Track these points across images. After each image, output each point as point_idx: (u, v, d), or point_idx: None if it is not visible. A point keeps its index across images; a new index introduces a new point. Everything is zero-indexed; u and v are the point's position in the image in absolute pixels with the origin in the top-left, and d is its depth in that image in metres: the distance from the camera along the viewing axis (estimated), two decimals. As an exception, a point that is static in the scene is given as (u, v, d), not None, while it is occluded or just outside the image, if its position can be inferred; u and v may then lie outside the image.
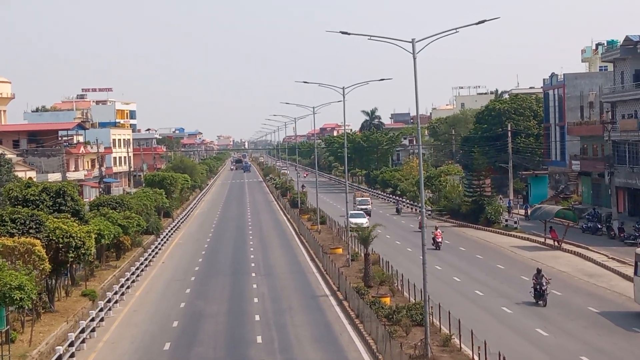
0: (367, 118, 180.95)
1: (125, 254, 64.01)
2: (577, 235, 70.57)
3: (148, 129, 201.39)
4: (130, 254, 64.94)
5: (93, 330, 40.66)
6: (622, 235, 67.74)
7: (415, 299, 42.86)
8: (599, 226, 72.99)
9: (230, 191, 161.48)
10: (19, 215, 43.69)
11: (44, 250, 40.16)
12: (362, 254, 54.14)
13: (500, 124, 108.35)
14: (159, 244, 73.50)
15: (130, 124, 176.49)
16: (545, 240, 69.49)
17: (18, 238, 40.25)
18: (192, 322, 43.57)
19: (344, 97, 62.31)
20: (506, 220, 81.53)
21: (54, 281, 44.77)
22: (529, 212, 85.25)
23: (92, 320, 40.83)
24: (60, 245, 43.63)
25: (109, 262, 61.33)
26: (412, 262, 58.93)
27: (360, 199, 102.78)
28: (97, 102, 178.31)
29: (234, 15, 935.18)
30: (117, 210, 63.09)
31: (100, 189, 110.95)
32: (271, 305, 47.62)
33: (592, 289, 50.37)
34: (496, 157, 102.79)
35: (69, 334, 37.14)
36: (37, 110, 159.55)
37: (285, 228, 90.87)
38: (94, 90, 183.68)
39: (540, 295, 44.56)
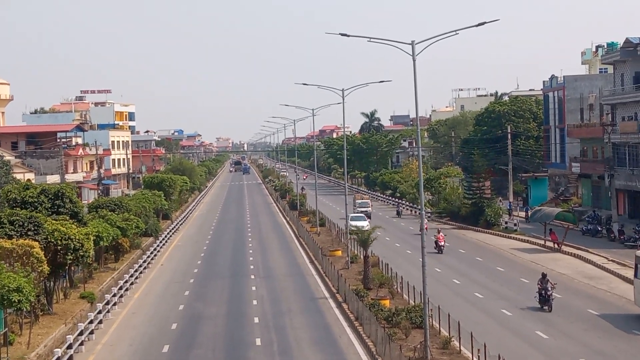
0: (367, 120, 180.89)
1: (123, 256, 63.87)
2: (577, 237, 70.46)
3: (147, 131, 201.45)
4: (128, 256, 64.81)
5: (91, 332, 40.58)
6: (622, 237, 67.64)
7: (414, 302, 42.72)
8: (599, 228, 72.87)
9: (229, 193, 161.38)
10: (18, 217, 43.59)
11: (43, 253, 40.13)
12: (362, 256, 54.02)
13: (500, 126, 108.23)
14: (158, 246, 73.38)
15: (129, 126, 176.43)
16: (545, 242, 69.39)
17: (16, 240, 40.21)
18: (191, 325, 43.46)
19: (343, 99, 62.31)
20: (506, 223, 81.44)
21: (52, 283, 44.69)
22: (529, 214, 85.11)
23: (91, 322, 40.75)
24: (59, 247, 43.58)
25: (108, 264, 61.24)
26: (412, 265, 58.79)
27: (360, 201, 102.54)
28: (96, 104, 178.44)
29: (233, 16, 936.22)
30: (116, 212, 63.02)
31: (99, 191, 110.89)
32: (270, 307, 47.52)
33: (592, 291, 50.26)
34: (496, 160, 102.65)
35: (68, 336, 37.09)
36: (35, 111, 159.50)
37: (285, 230, 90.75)
38: (93, 92, 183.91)
39: (545, 300, 44.00)
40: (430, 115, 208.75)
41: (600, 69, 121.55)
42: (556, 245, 67.15)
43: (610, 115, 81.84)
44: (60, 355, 34.41)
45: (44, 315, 42.19)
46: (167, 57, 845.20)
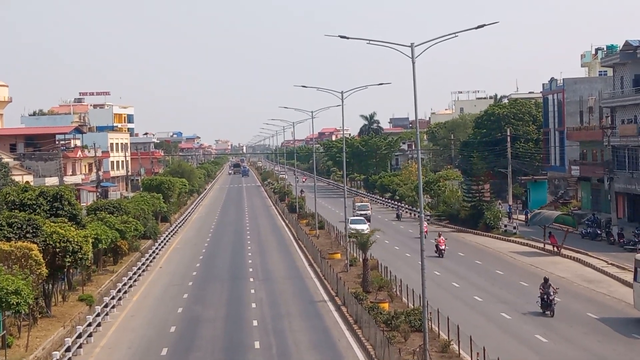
0: (366, 122, 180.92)
1: (122, 259, 63.82)
2: (577, 240, 70.36)
3: (146, 133, 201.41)
4: (127, 259, 64.73)
5: (90, 335, 40.53)
6: (621, 240, 67.52)
7: (414, 305, 42.62)
8: (599, 232, 72.76)
9: (228, 196, 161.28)
10: (16, 220, 43.55)
11: (41, 255, 40.10)
12: (361, 259, 53.94)
13: (500, 128, 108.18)
14: (157, 248, 73.28)
15: (128, 128, 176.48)
16: (544, 245, 69.29)
17: (15, 242, 40.18)
18: (189, 327, 43.39)
19: (342, 102, 62.22)
20: (505, 226, 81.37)
21: (50, 286, 44.63)
22: (528, 217, 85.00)
23: (89, 325, 40.71)
24: (57, 249, 43.52)
25: (106, 266, 61.15)
26: (411, 268, 58.72)
27: (359, 204, 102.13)
28: (95, 106, 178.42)
29: (232, 18, 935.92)
30: (115, 215, 62.94)
31: (98, 193, 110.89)
32: (269, 310, 47.46)
33: (592, 294, 50.18)
34: (495, 162, 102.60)
35: (66, 339, 37.08)
36: (34, 113, 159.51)
37: (284, 233, 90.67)
38: (92, 94, 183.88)
39: (547, 305, 43.60)
40: (429, 118, 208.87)
41: (599, 71, 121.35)
42: (555, 249, 67.06)
43: (609, 118, 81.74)
44: (58, 358, 34.38)
45: (42, 317, 42.09)
46: (166, 59, 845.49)
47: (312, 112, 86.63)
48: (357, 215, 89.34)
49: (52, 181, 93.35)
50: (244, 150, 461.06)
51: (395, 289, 48.18)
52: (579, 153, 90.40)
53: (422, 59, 39.89)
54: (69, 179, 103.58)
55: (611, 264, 59.22)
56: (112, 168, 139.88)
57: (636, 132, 72.64)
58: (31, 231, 43.07)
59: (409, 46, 34.00)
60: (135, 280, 57.22)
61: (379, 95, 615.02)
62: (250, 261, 68.34)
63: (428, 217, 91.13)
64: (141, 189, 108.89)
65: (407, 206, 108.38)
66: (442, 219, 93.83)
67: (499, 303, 47.66)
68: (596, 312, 44.54)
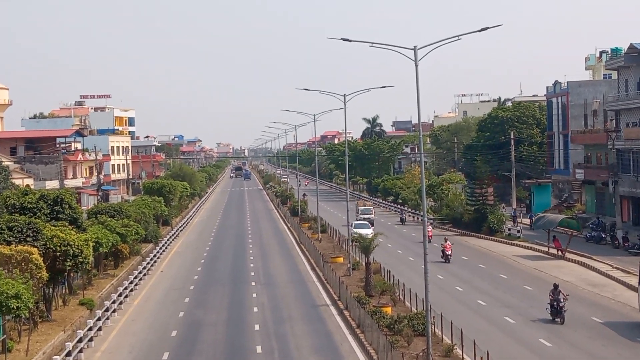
0: (369, 126, 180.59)
1: (123, 263, 63.62)
2: (581, 244, 70.10)
3: (147, 136, 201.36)
4: (128, 263, 64.54)
5: (91, 339, 40.27)
6: (626, 244, 67.27)
7: (417, 309, 42.38)
8: (603, 235, 72.51)
9: (229, 199, 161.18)
10: (16, 223, 43.31)
11: (41, 259, 39.93)
12: (363, 263, 53.68)
13: (503, 132, 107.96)
14: (158, 252, 73.05)
15: (129, 131, 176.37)
16: (548, 249, 68.99)
17: (15, 246, 40.00)
18: (191, 332, 43.13)
19: (345, 105, 61.93)
20: (509, 229, 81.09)
21: (51, 290, 44.47)
22: (533, 221, 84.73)
23: (90, 329, 40.46)
24: (58, 253, 43.35)
25: (107, 270, 60.95)
26: (414, 272, 58.41)
27: (363, 208, 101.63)
28: (96, 109, 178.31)
29: (235, 22, 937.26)
30: (116, 218, 62.69)
31: (99, 197, 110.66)
32: (271, 314, 47.21)
33: (596, 298, 49.93)
34: (499, 166, 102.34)
35: (67, 343, 36.89)
36: (34, 117, 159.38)
37: (286, 236, 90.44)
38: (93, 97, 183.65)
39: (557, 312, 42.86)
40: (432, 121, 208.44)
41: (604, 74, 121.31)
42: (560, 252, 66.79)
43: (614, 121, 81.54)
44: (58, 362, 34.09)
45: (42, 322, 41.93)
46: (167, 61, 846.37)
47: (314, 115, 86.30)
48: (360, 220, 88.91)
49: (52, 184, 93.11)
50: (246, 154, 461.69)
51: (398, 293, 47.91)
52: (584, 156, 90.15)
53: (425, 62, 39.61)
54: (70, 183, 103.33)
55: (616, 267, 59.01)
56: (113, 171, 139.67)
57: (641, 135, 72.40)
58: (31, 235, 42.86)
59: (412, 49, 33.80)
60: (136, 284, 56.97)
61: (382, 99, 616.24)
62: (252, 265, 68.10)
63: (431, 221, 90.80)
64: (142, 192, 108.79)
65: (410, 210, 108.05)
66: (445, 223, 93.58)
67: (503, 307, 47.39)
68: (601, 316, 44.30)
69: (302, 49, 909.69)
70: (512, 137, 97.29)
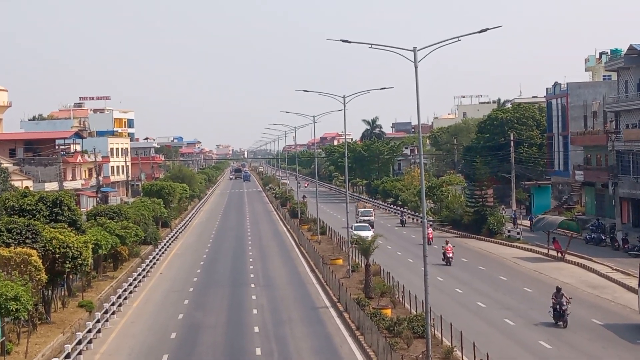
0: (368, 127, 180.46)
1: (122, 265, 63.54)
2: (581, 246, 70.06)
3: (146, 138, 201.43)
4: (127, 265, 64.47)
5: (90, 341, 40.23)
6: (626, 246, 67.24)
7: (416, 311, 42.31)
8: (603, 237, 72.46)
9: (229, 201, 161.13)
10: (15, 225, 43.29)
11: (41, 261, 39.94)
12: (363, 265, 53.60)
13: (503, 133, 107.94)
14: (157, 254, 72.99)
15: (128, 133, 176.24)
16: (548, 251, 68.93)
17: (14, 248, 40.00)
18: (190, 334, 43.07)
19: (344, 106, 61.85)
20: (509, 231, 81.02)
21: (50, 292, 44.42)
22: (533, 222, 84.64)
23: (89, 331, 40.41)
24: (57, 255, 43.31)
25: (106, 272, 60.91)
26: (414, 274, 58.28)
27: (362, 209, 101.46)
28: (95, 111, 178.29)
29: (234, 23, 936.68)
30: (115, 220, 62.69)
31: (98, 199, 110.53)
32: (270, 316, 47.14)
33: (596, 300, 49.86)
34: (498, 167, 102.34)
35: (66, 345, 36.85)
36: (34, 118, 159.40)
37: (285, 238, 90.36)
38: (92, 98, 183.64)
39: (560, 315, 42.51)
40: (432, 123, 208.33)
41: (604, 76, 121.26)
42: (559, 254, 66.71)
43: (614, 122, 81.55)
44: (57, 364, 34.04)
45: (41, 324, 41.86)
46: (167, 63, 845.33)
47: (313, 116, 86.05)
48: (360, 222, 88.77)
49: (51, 186, 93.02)
50: (245, 155, 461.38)
51: (397, 295, 47.86)
52: (583, 158, 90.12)
53: (424, 63, 39.51)
54: (69, 184, 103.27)
55: (616, 269, 58.93)
56: (112, 173, 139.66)
57: (640, 137, 72.37)
58: (30, 237, 42.82)
59: (411, 50, 33.76)
60: (135, 286, 56.91)
61: (381, 100, 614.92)
62: (251, 267, 68.02)
63: (431, 223, 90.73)
64: (141, 194, 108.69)
65: (409, 211, 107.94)
66: (445, 224, 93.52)
67: (503, 309, 47.33)
68: (601, 318, 44.23)
69: (301, 50, 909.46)
70: (511, 138, 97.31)
